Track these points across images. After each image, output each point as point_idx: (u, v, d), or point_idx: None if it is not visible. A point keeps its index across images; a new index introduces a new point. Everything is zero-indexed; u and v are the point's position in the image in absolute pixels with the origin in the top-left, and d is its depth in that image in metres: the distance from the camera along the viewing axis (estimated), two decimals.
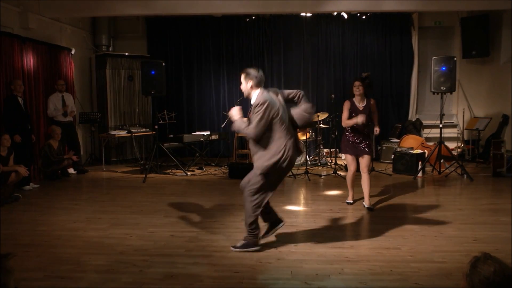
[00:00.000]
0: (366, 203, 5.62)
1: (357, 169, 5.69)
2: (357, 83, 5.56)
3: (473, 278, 1.72)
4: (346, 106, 5.60)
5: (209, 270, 3.62)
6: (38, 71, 7.77)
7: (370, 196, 5.71)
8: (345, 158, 5.74)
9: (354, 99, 5.60)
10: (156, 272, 3.61)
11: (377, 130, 5.78)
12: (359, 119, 5.30)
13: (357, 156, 5.58)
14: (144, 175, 7.66)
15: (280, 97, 3.99)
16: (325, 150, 9.52)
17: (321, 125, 8.74)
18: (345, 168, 8.31)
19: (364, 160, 5.53)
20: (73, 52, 8.85)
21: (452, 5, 7.81)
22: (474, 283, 1.71)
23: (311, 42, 10.29)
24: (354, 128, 5.52)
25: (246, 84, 3.98)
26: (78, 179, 7.96)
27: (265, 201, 3.98)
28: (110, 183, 7.58)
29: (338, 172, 7.91)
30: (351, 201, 5.85)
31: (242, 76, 4.00)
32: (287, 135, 3.87)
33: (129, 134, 8.84)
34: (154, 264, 3.77)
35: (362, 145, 5.51)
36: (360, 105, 5.56)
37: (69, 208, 5.75)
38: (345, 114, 5.58)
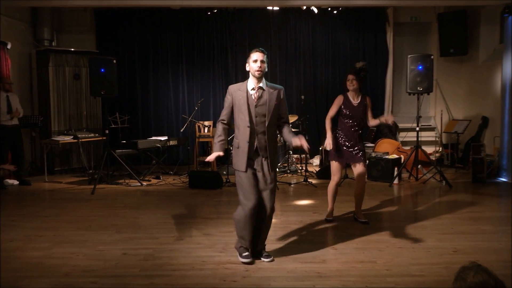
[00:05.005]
0: (360, 217, 5.43)
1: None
2: (350, 76, 5.27)
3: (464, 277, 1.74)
4: (337, 101, 5.34)
5: None
6: None
7: (341, 206, 5.77)
8: (331, 165, 5.40)
9: (348, 93, 5.35)
10: None
11: (388, 119, 5.27)
12: (329, 144, 5.24)
13: (346, 164, 5.41)
14: (92, 186, 7.51)
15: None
16: (295, 156, 9.60)
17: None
18: (317, 175, 8.43)
19: (358, 169, 5.27)
20: (9, 46, 8.57)
21: (427, 1, 8.01)
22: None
23: (278, 38, 10.39)
24: (347, 129, 5.29)
25: (266, 66, 4.14)
26: (17, 191, 7.70)
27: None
28: (53, 196, 7.38)
29: (309, 180, 7.97)
30: (331, 218, 5.50)
31: (264, 56, 4.07)
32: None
33: (76, 140, 8.64)
34: (105, 286, 3.68)
35: (355, 150, 5.27)
36: (355, 101, 5.31)
37: (5, 225, 5.54)
38: (332, 110, 5.35)
